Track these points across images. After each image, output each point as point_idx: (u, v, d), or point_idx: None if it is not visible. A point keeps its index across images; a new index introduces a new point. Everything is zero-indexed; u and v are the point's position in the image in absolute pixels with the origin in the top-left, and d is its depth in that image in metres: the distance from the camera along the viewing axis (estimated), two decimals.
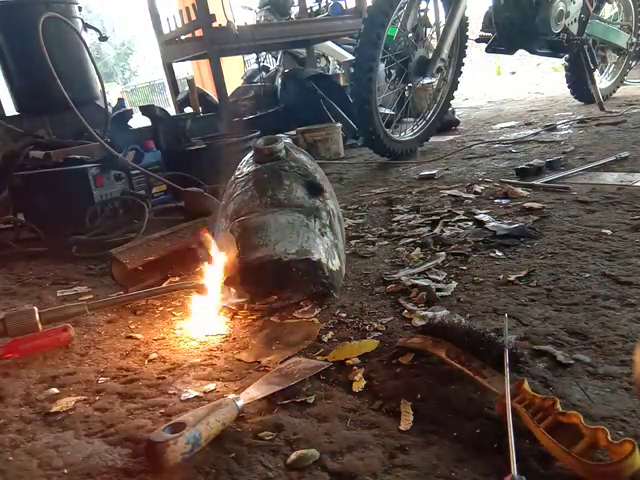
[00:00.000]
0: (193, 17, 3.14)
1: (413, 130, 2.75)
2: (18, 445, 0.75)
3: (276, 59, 5.03)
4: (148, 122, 2.58)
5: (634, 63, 3.53)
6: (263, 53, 5.02)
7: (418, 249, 1.33)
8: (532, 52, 3.00)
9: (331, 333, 0.97)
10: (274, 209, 1.13)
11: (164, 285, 0.87)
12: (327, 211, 1.18)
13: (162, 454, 0.63)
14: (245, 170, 1.25)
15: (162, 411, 0.79)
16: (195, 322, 1.06)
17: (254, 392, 0.77)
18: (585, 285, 1.00)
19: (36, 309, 0.66)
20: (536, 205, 1.50)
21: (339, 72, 4.34)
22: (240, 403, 0.72)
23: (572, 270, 1.07)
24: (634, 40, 3.33)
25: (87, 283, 1.43)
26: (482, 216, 1.47)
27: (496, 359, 0.73)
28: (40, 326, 0.65)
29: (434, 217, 1.55)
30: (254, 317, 1.08)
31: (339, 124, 3.02)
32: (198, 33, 3.15)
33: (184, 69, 9.59)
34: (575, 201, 1.51)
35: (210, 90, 4.17)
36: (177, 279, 1.31)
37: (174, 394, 0.83)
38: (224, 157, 2.17)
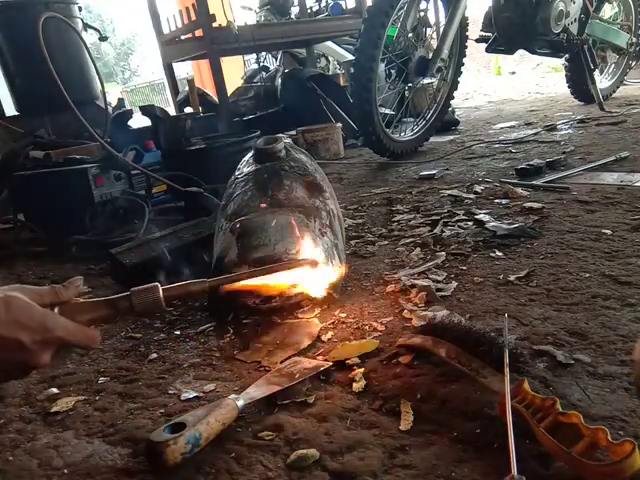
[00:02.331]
0: (193, 17, 3.14)
1: (413, 130, 2.75)
2: (18, 445, 0.75)
3: (276, 59, 5.03)
4: (148, 122, 2.58)
5: (634, 63, 3.53)
6: (263, 53, 5.02)
7: (418, 249, 1.33)
8: (532, 52, 3.00)
9: (331, 333, 0.97)
10: (274, 209, 1.13)
11: (278, 264, 0.88)
12: (327, 211, 1.18)
13: (162, 454, 0.63)
14: (245, 170, 1.25)
15: (162, 411, 0.79)
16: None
17: (254, 392, 0.77)
18: (585, 285, 1.00)
19: (159, 285, 0.66)
20: (536, 205, 1.50)
21: (339, 72, 4.33)
22: (240, 403, 0.72)
23: (572, 270, 1.07)
24: (634, 40, 3.33)
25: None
26: (482, 216, 1.47)
27: (496, 359, 0.73)
28: (164, 303, 0.66)
29: (434, 217, 1.55)
30: (254, 317, 1.08)
31: (339, 124, 3.02)
32: (198, 33, 3.15)
33: (184, 69, 9.59)
34: (575, 201, 1.51)
35: (210, 90, 4.17)
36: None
37: (174, 394, 0.83)
38: (224, 157, 2.18)
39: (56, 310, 0.63)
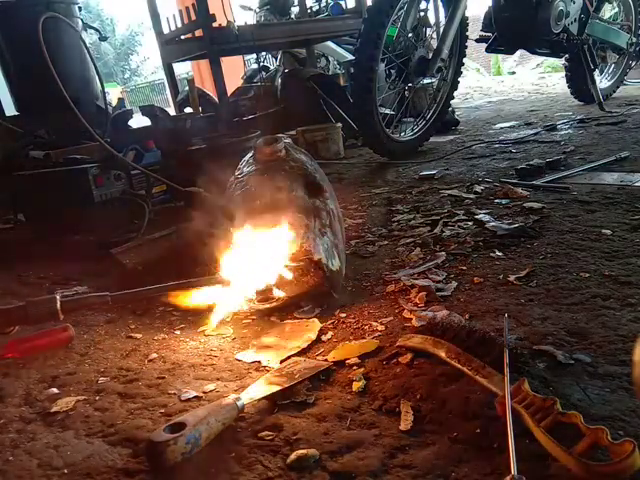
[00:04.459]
0: (193, 17, 3.14)
1: (413, 130, 2.75)
2: (18, 445, 0.75)
3: (276, 59, 5.02)
4: (148, 122, 2.58)
5: (634, 63, 3.53)
6: (263, 53, 5.01)
7: (418, 249, 1.33)
8: (532, 52, 3.01)
9: (331, 333, 0.97)
10: (274, 209, 1.13)
11: (187, 280, 0.87)
12: (327, 211, 1.18)
13: (162, 454, 0.63)
14: (245, 170, 1.25)
15: (162, 411, 0.79)
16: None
17: (254, 392, 0.77)
18: (585, 285, 1.00)
19: (58, 297, 0.66)
20: (536, 205, 1.50)
21: (339, 72, 4.33)
22: (240, 403, 0.72)
23: (572, 270, 1.07)
24: (634, 40, 3.34)
25: (87, 283, 1.43)
26: (482, 216, 1.47)
27: (496, 359, 0.73)
28: (61, 315, 0.66)
29: (434, 217, 1.55)
30: (254, 317, 1.08)
31: (339, 124, 3.02)
32: (198, 33, 3.15)
33: (184, 68, 9.60)
34: (575, 201, 1.51)
35: (210, 90, 4.17)
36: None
37: (174, 394, 0.83)
38: (224, 157, 2.17)
39: None
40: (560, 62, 3.47)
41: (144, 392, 0.85)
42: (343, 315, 1.04)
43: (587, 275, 1.04)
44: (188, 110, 3.52)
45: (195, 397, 0.82)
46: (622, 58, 3.45)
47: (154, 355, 0.98)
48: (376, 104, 2.36)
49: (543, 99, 4.14)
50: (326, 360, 0.87)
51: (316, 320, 1.03)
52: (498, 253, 1.22)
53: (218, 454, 0.67)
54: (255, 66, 4.81)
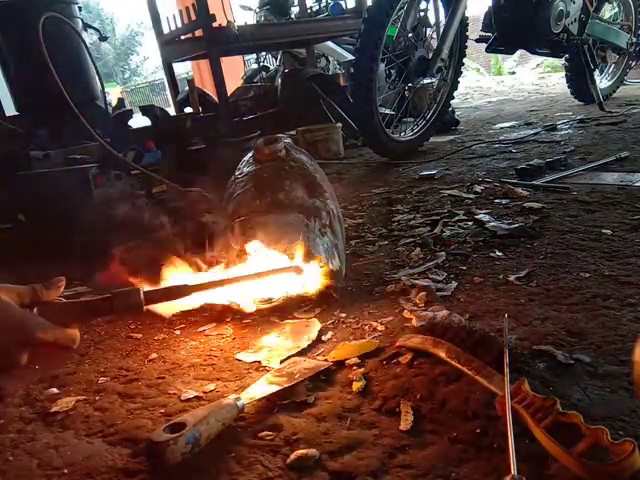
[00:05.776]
0: (193, 17, 3.13)
1: (413, 130, 2.75)
2: (18, 445, 0.75)
3: (276, 59, 5.02)
4: (148, 122, 2.58)
5: (634, 63, 3.54)
6: (263, 53, 5.01)
7: (418, 249, 1.33)
8: (532, 52, 3.01)
9: (331, 333, 0.97)
10: (274, 209, 1.13)
11: (263, 269, 0.90)
12: (327, 211, 1.18)
13: (162, 454, 0.63)
14: (245, 170, 1.25)
15: (162, 411, 0.79)
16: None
17: (254, 392, 0.77)
18: (585, 285, 1.00)
19: (141, 288, 0.67)
20: (536, 205, 1.50)
21: (339, 72, 4.33)
22: (240, 403, 0.72)
23: (572, 270, 1.07)
24: (634, 40, 3.34)
25: (87, 283, 1.43)
26: (482, 216, 1.47)
27: (496, 359, 0.73)
28: (145, 306, 0.67)
29: (434, 217, 1.55)
30: (254, 317, 1.08)
31: (339, 124, 3.02)
32: (198, 33, 3.15)
33: (184, 68, 9.61)
34: (575, 201, 1.51)
35: (210, 90, 4.17)
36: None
37: (174, 394, 0.83)
38: (224, 157, 2.17)
39: (35, 310, 0.62)
40: (560, 62, 3.48)
41: (144, 392, 0.85)
42: (343, 315, 1.04)
43: (587, 275, 1.04)
44: (188, 110, 3.52)
45: (195, 397, 0.82)
46: (622, 58, 3.45)
47: (154, 355, 0.98)
48: (376, 104, 2.36)
49: (543, 99, 4.14)
50: (326, 360, 0.87)
51: (316, 320, 1.03)
52: (498, 253, 1.22)
53: (218, 454, 0.67)
54: (255, 66, 4.82)
